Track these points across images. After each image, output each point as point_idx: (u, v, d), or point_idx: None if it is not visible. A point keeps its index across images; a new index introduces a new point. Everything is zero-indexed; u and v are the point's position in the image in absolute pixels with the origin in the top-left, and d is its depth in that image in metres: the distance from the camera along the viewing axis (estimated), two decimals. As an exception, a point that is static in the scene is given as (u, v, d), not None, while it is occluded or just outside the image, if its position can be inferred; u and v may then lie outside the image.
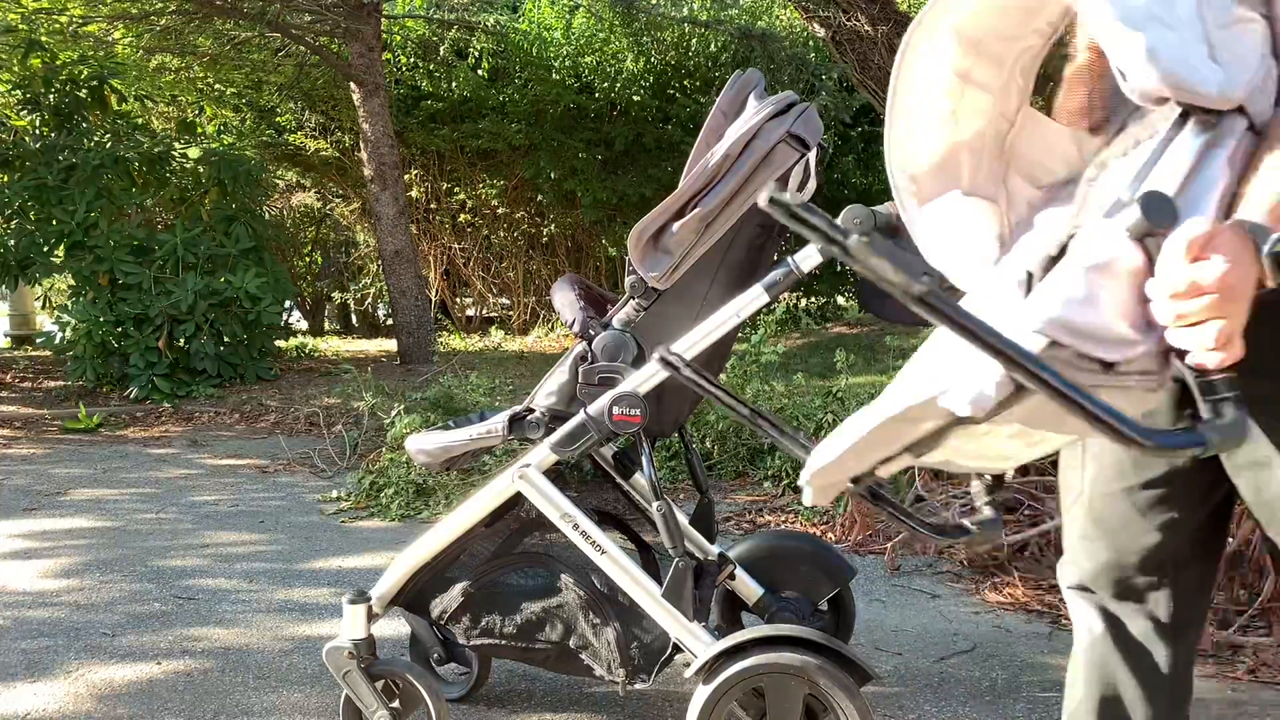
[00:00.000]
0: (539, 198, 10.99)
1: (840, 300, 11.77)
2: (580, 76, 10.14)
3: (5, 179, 7.30)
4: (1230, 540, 2.54)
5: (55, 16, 8.02)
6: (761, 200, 0.71)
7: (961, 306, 0.75)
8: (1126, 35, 0.89)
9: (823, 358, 7.41)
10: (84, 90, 7.66)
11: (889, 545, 3.15)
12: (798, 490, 4.13)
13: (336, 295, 13.38)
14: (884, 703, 2.10)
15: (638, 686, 1.75)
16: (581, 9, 10.31)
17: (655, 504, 1.68)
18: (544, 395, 1.76)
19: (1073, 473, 1.27)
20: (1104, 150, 1.06)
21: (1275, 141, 0.91)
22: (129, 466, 4.98)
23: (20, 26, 7.58)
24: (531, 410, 1.76)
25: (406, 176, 10.27)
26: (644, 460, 1.71)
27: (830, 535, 3.41)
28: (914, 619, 2.66)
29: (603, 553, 1.71)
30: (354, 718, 1.83)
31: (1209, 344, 0.84)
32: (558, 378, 1.75)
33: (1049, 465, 3.50)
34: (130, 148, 7.44)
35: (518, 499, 1.77)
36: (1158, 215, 0.85)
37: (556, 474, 1.79)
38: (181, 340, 7.08)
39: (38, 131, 7.60)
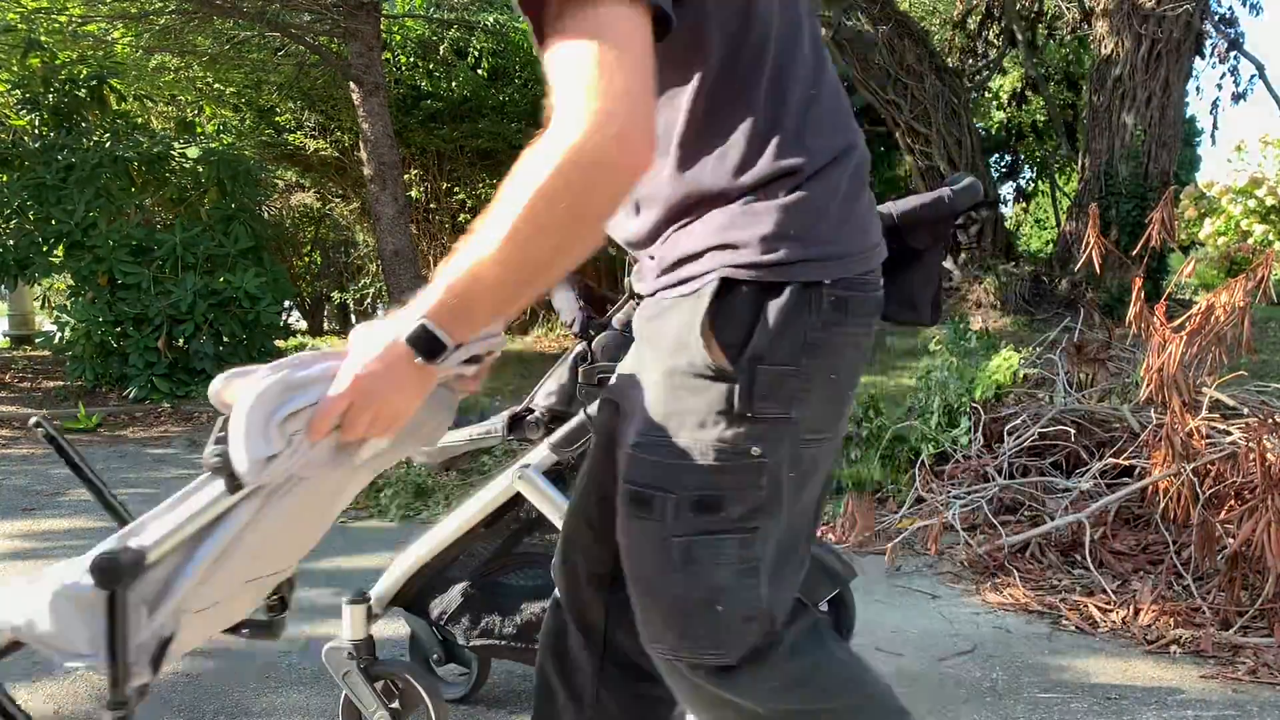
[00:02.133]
0: (539, 197, 10.97)
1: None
2: (580, 76, 10.14)
3: (4, 178, 7.29)
4: (1230, 540, 2.54)
5: (55, 16, 8.02)
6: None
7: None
8: None
9: (822, 358, 7.41)
10: (83, 90, 7.65)
11: (889, 546, 3.15)
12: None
13: (336, 295, 13.37)
14: (884, 703, 2.10)
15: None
16: (581, 9, 10.30)
17: (655, 504, 1.68)
18: (543, 395, 1.75)
19: None
20: None
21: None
22: (128, 466, 4.98)
23: (19, 26, 7.57)
24: (531, 410, 1.75)
25: (406, 176, 10.27)
26: (644, 461, 1.71)
27: (830, 536, 3.40)
28: (914, 620, 2.66)
29: (603, 553, 1.71)
30: (353, 718, 1.82)
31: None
32: (557, 378, 1.74)
33: (1050, 467, 3.50)
34: (129, 147, 7.44)
35: (517, 499, 1.77)
36: None
37: (556, 475, 1.79)
38: (181, 340, 7.07)
39: (36, 131, 7.60)
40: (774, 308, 0.98)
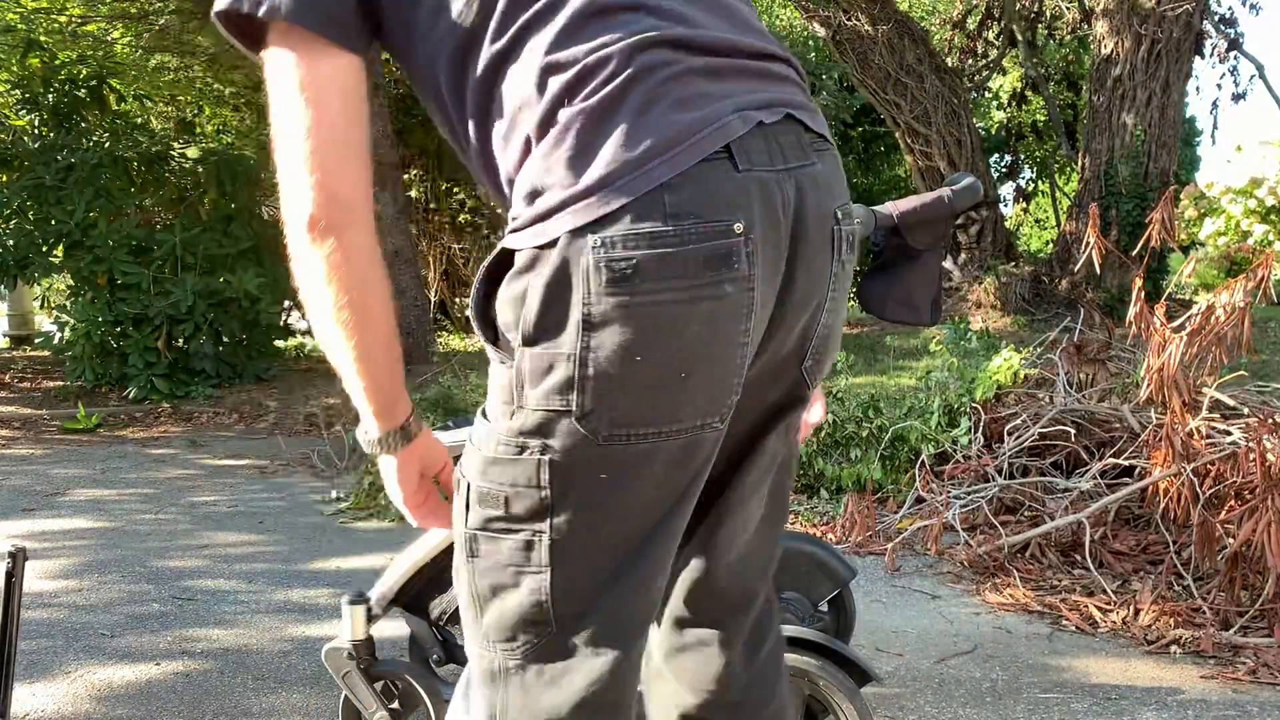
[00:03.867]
0: (539, 198, 10.97)
1: (840, 300, 11.77)
2: (580, 76, 10.14)
3: (4, 179, 7.29)
4: (1230, 540, 2.54)
5: (54, 16, 8.02)
6: None
7: None
8: None
9: (822, 358, 7.40)
10: (83, 90, 7.65)
11: (889, 546, 3.14)
12: (797, 491, 4.12)
13: (336, 295, 13.36)
14: (885, 704, 2.10)
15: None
16: (581, 9, 10.31)
17: (655, 505, 1.68)
18: (543, 396, 1.75)
19: None
20: None
21: None
22: (128, 467, 4.98)
23: (19, 26, 7.58)
24: (531, 411, 1.75)
25: (406, 176, 10.27)
26: (644, 461, 1.70)
27: (831, 536, 3.40)
28: (914, 620, 2.65)
29: (602, 554, 1.71)
30: (353, 719, 1.82)
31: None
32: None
33: (1050, 467, 3.50)
34: (129, 147, 7.44)
35: (517, 500, 1.77)
36: None
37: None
38: (180, 340, 7.07)
39: (36, 131, 7.60)
40: (535, 279, 0.85)
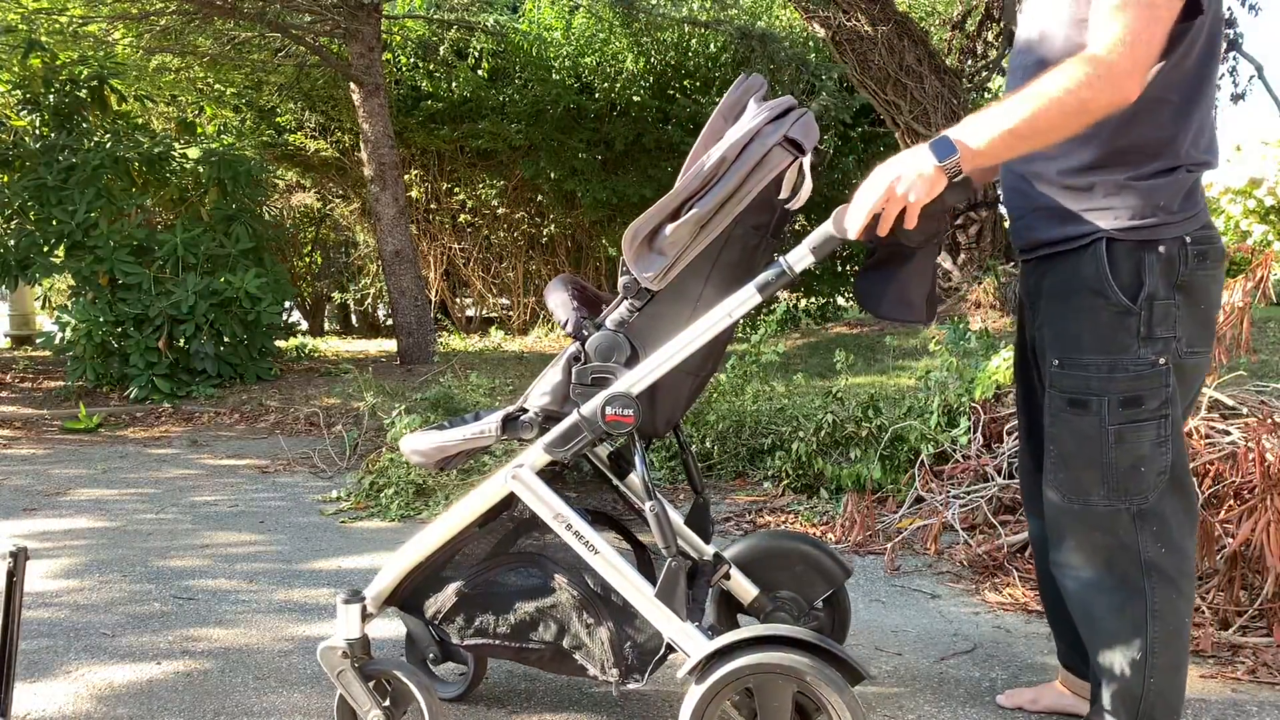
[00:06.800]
0: (539, 198, 11.00)
1: (840, 300, 11.77)
2: (580, 76, 10.14)
3: (5, 179, 7.31)
4: (1229, 540, 2.54)
5: (55, 16, 8.03)
6: None
7: None
8: None
9: (823, 358, 7.41)
10: (84, 90, 7.66)
11: (889, 546, 3.14)
12: (797, 490, 4.12)
13: (336, 295, 13.38)
14: (884, 703, 2.10)
15: (631, 686, 1.74)
16: (581, 9, 10.32)
17: (648, 504, 1.68)
18: (538, 395, 1.75)
19: None
20: None
21: None
22: (129, 467, 4.99)
23: (20, 26, 7.59)
24: (525, 410, 1.75)
25: (406, 176, 10.28)
26: (637, 460, 1.71)
27: (830, 535, 3.40)
28: (914, 619, 2.66)
29: (596, 553, 1.71)
30: (348, 717, 1.82)
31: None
32: (551, 378, 1.74)
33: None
34: (130, 148, 7.45)
35: (512, 499, 1.77)
36: None
37: (555, 475, 1.78)
38: (181, 340, 7.08)
39: (38, 131, 7.61)
40: (1155, 260, 1.47)
